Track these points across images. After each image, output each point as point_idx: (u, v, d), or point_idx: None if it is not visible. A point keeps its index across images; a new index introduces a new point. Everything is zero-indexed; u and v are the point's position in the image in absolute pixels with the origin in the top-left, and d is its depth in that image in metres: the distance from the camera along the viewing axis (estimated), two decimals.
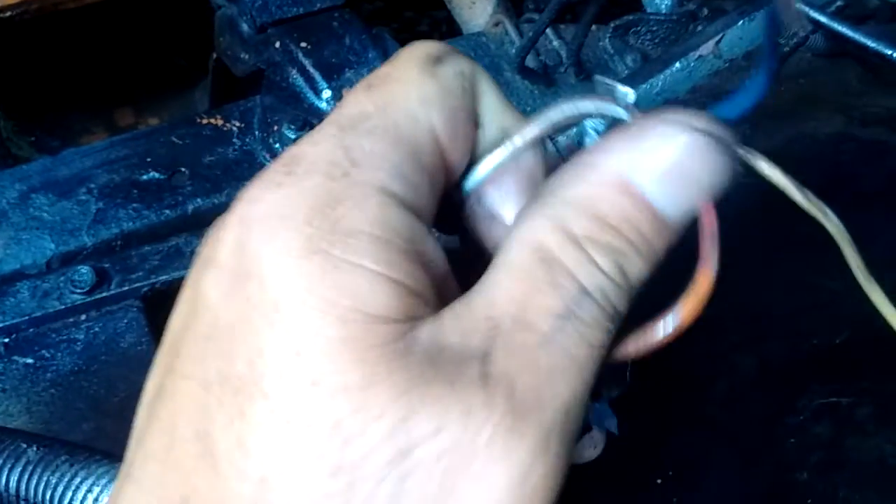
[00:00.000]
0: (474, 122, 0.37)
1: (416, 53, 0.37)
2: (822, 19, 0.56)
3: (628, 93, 0.43)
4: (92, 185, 0.83)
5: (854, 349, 0.47)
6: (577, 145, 0.43)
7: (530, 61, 0.96)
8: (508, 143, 0.38)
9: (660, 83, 0.69)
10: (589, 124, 0.42)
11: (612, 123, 0.39)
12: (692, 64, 0.67)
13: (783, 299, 0.63)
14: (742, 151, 0.37)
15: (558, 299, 0.32)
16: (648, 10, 1.02)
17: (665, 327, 0.36)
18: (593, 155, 0.35)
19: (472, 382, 0.30)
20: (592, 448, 0.46)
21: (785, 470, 0.57)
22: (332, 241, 0.31)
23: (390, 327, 0.30)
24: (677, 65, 0.68)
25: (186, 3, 1.25)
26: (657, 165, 0.34)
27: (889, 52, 0.57)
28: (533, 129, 0.38)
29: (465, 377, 0.30)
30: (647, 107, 0.71)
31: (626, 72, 1.01)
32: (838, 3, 0.77)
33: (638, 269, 0.34)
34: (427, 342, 0.31)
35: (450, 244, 0.47)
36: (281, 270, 0.30)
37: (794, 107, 0.89)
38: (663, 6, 1.01)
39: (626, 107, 0.38)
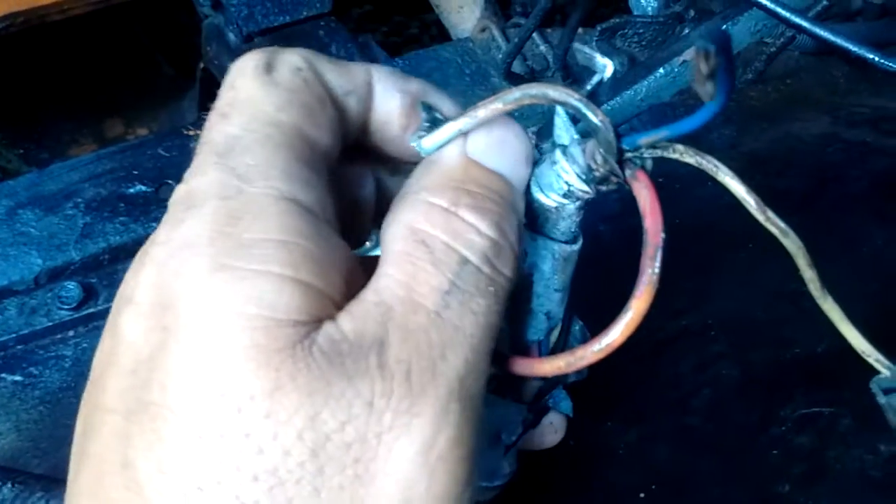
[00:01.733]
0: (332, 103, 0.39)
1: (247, 70, 0.38)
2: (804, 24, 0.56)
3: (607, 64, 0.43)
4: (79, 200, 0.83)
5: (835, 359, 0.47)
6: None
7: (517, 66, 0.96)
8: (472, 111, 0.38)
9: (644, 89, 0.69)
10: (560, 109, 0.42)
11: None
12: (676, 69, 0.67)
13: (766, 309, 0.63)
14: (709, 164, 0.38)
15: (437, 274, 0.35)
16: (635, 13, 1.02)
17: (598, 345, 0.38)
18: (431, 155, 0.39)
19: (370, 374, 0.32)
20: (554, 433, 0.46)
21: (768, 482, 0.57)
22: (237, 254, 0.32)
23: (295, 330, 0.32)
24: (661, 70, 0.67)
25: (173, 13, 1.25)
26: (489, 143, 0.39)
27: (871, 56, 0.56)
28: (496, 103, 0.38)
29: (363, 370, 0.32)
30: (631, 112, 0.71)
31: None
32: (823, 3, 0.77)
33: (512, 224, 0.38)
34: (327, 341, 0.32)
35: None
36: (192, 295, 0.32)
37: (781, 107, 0.89)
38: (650, 8, 1.00)
39: (586, 103, 0.37)
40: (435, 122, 0.40)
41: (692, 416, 0.59)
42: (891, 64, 0.56)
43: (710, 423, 0.58)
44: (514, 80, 0.95)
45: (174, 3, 1.08)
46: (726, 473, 0.58)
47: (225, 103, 0.37)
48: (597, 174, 0.39)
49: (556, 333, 0.47)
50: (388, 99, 0.41)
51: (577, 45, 0.49)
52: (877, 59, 0.56)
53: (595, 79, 0.42)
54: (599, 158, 0.39)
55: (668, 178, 0.65)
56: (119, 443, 0.32)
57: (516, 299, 0.43)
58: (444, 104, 0.42)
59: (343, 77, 0.40)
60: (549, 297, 0.44)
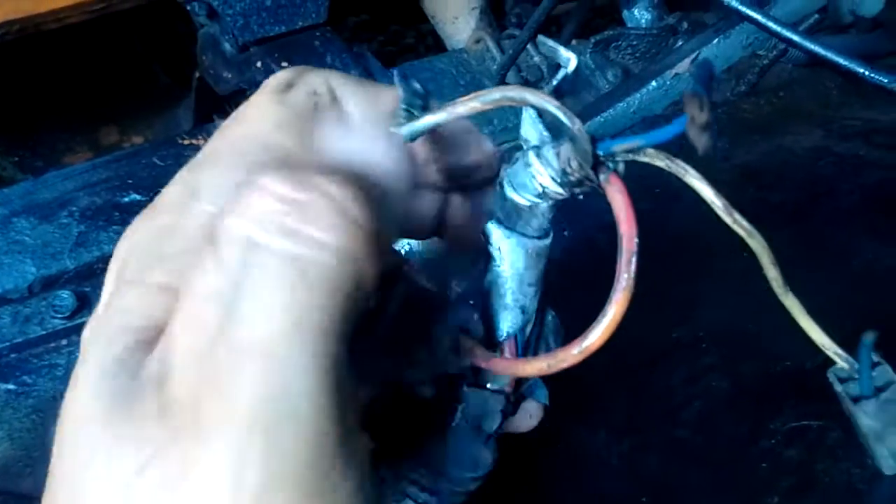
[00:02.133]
0: (342, 128, 0.38)
1: (270, 85, 0.39)
2: (795, 37, 0.57)
3: (570, 58, 0.44)
4: (73, 208, 0.83)
5: (824, 373, 0.47)
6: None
7: (512, 77, 0.96)
8: (450, 106, 0.39)
9: (637, 101, 0.69)
10: (528, 111, 0.42)
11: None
12: (668, 82, 0.68)
13: (757, 321, 0.63)
14: (677, 167, 0.39)
15: (215, 273, 0.30)
16: (629, 25, 1.03)
17: (574, 352, 0.39)
18: None
19: (153, 420, 0.29)
20: (528, 418, 0.46)
21: (757, 494, 0.57)
22: (151, 270, 0.33)
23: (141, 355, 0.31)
24: (654, 83, 0.68)
25: (170, 23, 1.25)
26: None
27: (861, 70, 0.57)
28: (474, 101, 0.39)
29: (146, 415, 0.29)
30: (624, 124, 0.72)
31: (607, 86, 1.02)
32: (815, 17, 0.78)
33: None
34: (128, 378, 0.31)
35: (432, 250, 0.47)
36: (133, 298, 0.32)
37: (774, 120, 0.90)
38: (643, 21, 1.01)
39: (563, 109, 0.38)
40: (412, 107, 0.40)
41: (683, 428, 0.60)
42: (880, 77, 0.57)
43: (700, 435, 0.59)
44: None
45: (171, 13, 1.09)
46: (716, 485, 0.58)
47: (235, 115, 0.38)
48: (571, 178, 0.40)
49: (529, 326, 0.47)
50: None
51: (541, 37, 0.50)
52: (866, 72, 0.57)
53: (560, 74, 0.42)
54: (575, 164, 0.39)
55: (662, 188, 0.66)
56: None
57: (491, 296, 0.45)
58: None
59: (368, 105, 0.39)
60: (524, 291, 0.45)
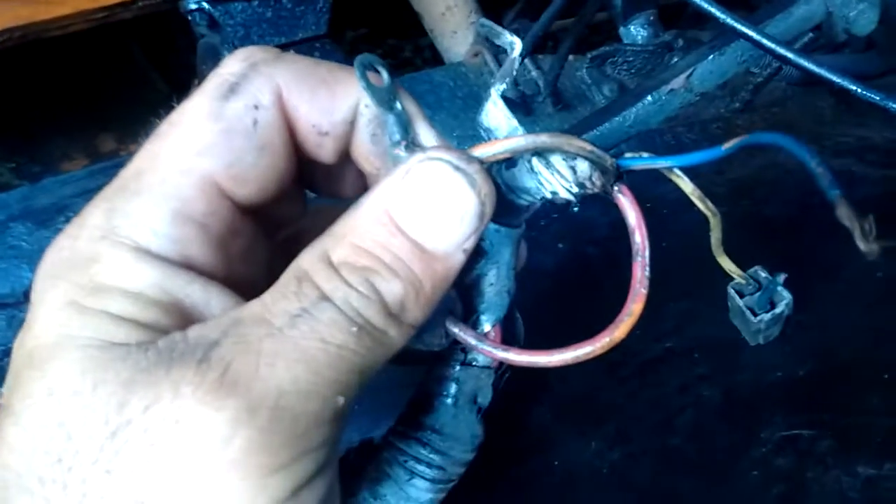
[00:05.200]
0: (286, 146, 0.40)
1: (213, 83, 0.40)
2: (789, 55, 0.57)
3: (514, 41, 0.45)
4: (71, 214, 0.83)
5: (816, 381, 0.48)
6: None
7: (508, 91, 0.97)
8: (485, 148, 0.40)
9: (632, 116, 0.70)
10: (495, 99, 0.44)
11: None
12: (664, 97, 0.68)
13: None
14: (656, 163, 0.41)
15: (296, 302, 0.36)
16: (625, 41, 1.04)
17: (602, 343, 0.41)
18: (365, 196, 0.39)
19: (187, 365, 0.34)
20: (441, 339, 0.46)
21: (748, 502, 0.58)
22: (84, 294, 0.36)
23: (128, 348, 0.35)
24: (649, 98, 0.68)
25: (171, 32, 1.26)
26: (412, 199, 0.38)
27: (853, 87, 0.58)
28: (504, 146, 0.40)
29: (183, 362, 0.34)
30: (619, 138, 0.72)
31: (603, 101, 1.03)
32: (810, 35, 0.79)
33: (391, 287, 0.37)
34: (166, 343, 0.35)
35: None
36: (44, 319, 0.36)
37: None
38: (639, 37, 1.03)
39: (595, 150, 0.40)
40: (375, 97, 0.40)
41: (674, 437, 0.60)
42: (872, 95, 0.58)
43: (691, 444, 0.59)
44: (506, 104, 0.96)
45: (172, 23, 1.09)
46: (707, 494, 0.58)
47: (171, 118, 0.40)
48: (588, 191, 0.42)
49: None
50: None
51: (482, 19, 0.51)
52: (859, 90, 0.58)
53: (507, 63, 0.43)
54: (598, 182, 0.41)
55: (655, 202, 0.66)
56: None
57: (480, 286, 0.46)
58: (427, 133, 0.42)
59: (323, 116, 0.41)
60: (509, 276, 0.47)
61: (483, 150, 0.40)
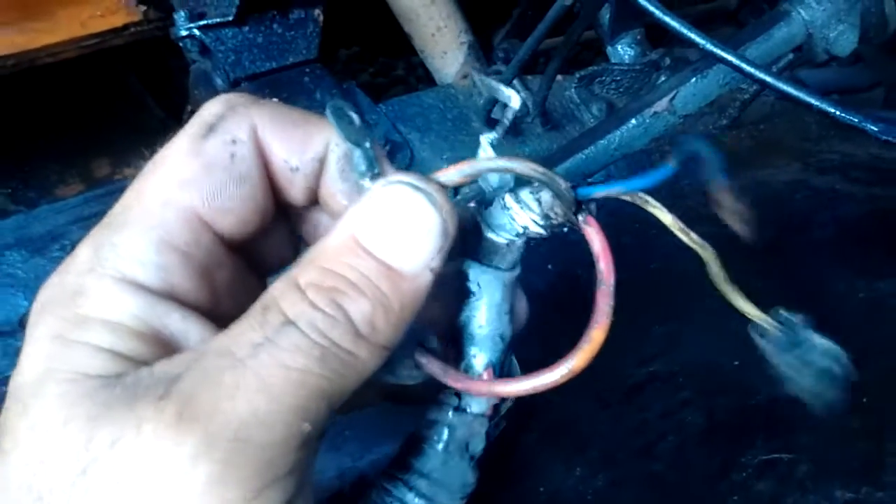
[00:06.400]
0: (262, 181, 0.42)
1: (194, 125, 0.42)
2: (767, 78, 0.58)
3: (511, 96, 0.46)
4: (66, 242, 0.84)
5: (795, 405, 0.49)
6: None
7: (497, 112, 0.98)
8: (475, 162, 0.42)
9: (617, 139, 0.71)
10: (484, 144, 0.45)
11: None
12: (647, 120, 0.69)
13: (732, 356, 0.65)
14: (638, 198, 0.43)
15: (259, 331, 0.37)
16: (612, 61, 1.05)
17: (560, 372, 0.41)
18: (334, 225, 0.40)
19: (149, 401, 0.35)
20: (411, 370, 0.46)
21: None
22: (69, 327, 0.38)
23: (102, 380, 0.36)
24: (633, 121, 0.70)
25: (165, 58, 1.27)
26: (377, 221, 0.39)
27: (832, 111, 0.59)
28: (467, 169, 0.41)
29: (145, 398, 0.35)
30: (605, 161, 0.73)
31: (592, 120, 1.04)
32: (789, 57, 0.80)
33: (359, 306, 0.38)
34: (133, 379, 0.36)
35: None
36: (33, 355, 0.38)
37: (753, 153, 0.92)
38: (626, 56, 1.04)
39: (550, 175, 0.41)
40: (350, 142, 0.41)
41: (657, 463, 0.60)
42: (850, 117, 0.59)
43: (673, 470, 0.59)
44: (495, 125, 0.97)
45: (165, 48, 1.10)
46: None
47: (155, 158, 0.41)
48: (553, 222, 0.43)
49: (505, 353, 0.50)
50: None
51: (482, 76, 0.52)
52: (837, 112, 0.59)
53: (509, 113, 0.45)
54: (559, 210, 0.42)
55: (644, 223, 0.67)
56: None
57: (470, 328, 0.47)
58: (390, 168, 0.43)
59: (293, 153, 0.42)
60: (501, 320, 0.48)
61: (446, 174, 0.41)
